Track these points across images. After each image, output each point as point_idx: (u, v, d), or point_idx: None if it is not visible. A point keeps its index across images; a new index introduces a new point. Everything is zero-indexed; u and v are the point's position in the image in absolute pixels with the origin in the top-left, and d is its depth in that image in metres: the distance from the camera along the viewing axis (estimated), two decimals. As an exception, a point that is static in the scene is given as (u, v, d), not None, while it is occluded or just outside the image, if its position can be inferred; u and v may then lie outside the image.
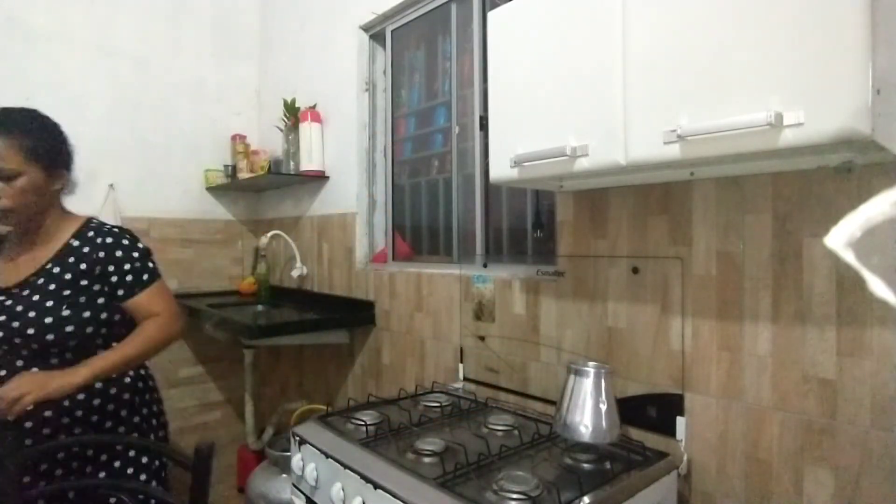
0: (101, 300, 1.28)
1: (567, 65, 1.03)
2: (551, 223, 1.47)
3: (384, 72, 2.19)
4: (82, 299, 1.26)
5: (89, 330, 1.25)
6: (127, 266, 1.32)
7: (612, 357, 1.28)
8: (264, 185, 2.65)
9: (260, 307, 2.48)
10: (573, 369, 1.15)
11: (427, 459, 1.11)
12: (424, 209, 2.06)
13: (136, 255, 1.34)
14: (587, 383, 1.12)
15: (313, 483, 1.20)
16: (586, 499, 0.95)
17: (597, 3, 0.98)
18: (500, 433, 1.28)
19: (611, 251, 1.29)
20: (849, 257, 0.94)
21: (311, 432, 1.29)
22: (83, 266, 1.27)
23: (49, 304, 1.22)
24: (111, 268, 1.29)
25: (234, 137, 2.69)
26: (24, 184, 1.18)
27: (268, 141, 2.67)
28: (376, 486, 1.03)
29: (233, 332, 2.13)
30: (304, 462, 1.26)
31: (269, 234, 2.48)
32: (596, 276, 1.32)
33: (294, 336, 2.01)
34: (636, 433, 1.22)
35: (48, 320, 1.21)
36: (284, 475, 1.92)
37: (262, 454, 2.33)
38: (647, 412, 1.21)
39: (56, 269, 1.25)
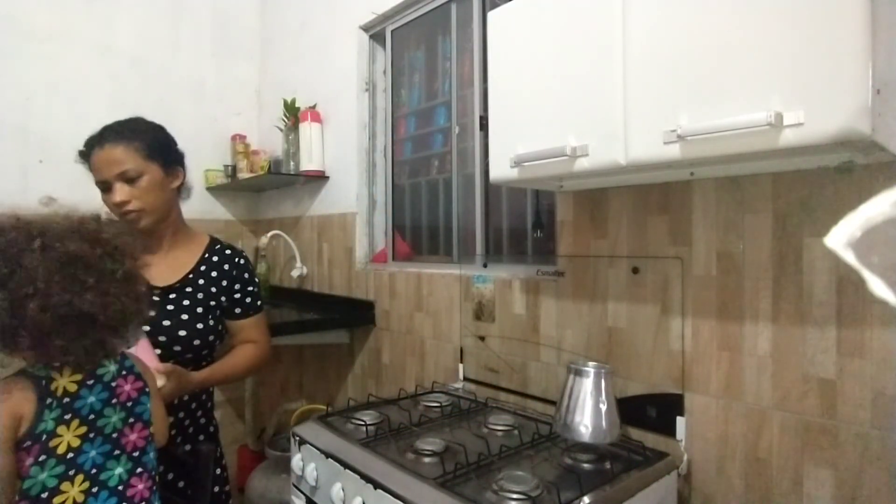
0: (219, 313, 1.34)
1: (567, 64, 1.03)
2: (551, 223, 1.47)
3: (384, 72, 2.19)
4: (217, 311, 1.33)
5: (211, 339, 1.31)
6: (249, 288, 1.40)
7: (612, 357, 1.28)
8: (264, 185, 2.65)
9: (260, 307, 2.48)
10: (573, 369, 1.14)
11: (427, 459, 1.11)
12: (424, 209, 2.06)
13: (256, 280, 1.44)
14: (587, 383, 1.12)
15: (313, 483, 1.20)
16: (586, 499, 0.95)
17: (597, 3, 0.97)
18: (500, 433, 1.28)
19: (611, 251, 1.29)
20: (849, 257, 0.94)
21: (311, 432, 1.29)
22: (221, 281, 1.35)
23: (198, 310, 1.28)
24: (237, 286, 1.37)
25: (234, 137, 2.69)
26: (147, 183, 1.23)
27: (268, 141, 2.67)
28: (376, 486, 1.03)
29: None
30: (304, 462, 1.26)
31: (269, 234, 2.48)
32: (596, 276, 1.32)
33: (294, 336, 2.01)
34: (636, 433, 1.22)
35: (199, 326, 1.27)
36: (284, 475, 1.92)
37: (262, 454, 2.33)
38: (647, 412, 1.21)
39: (200, 281, 1.32)
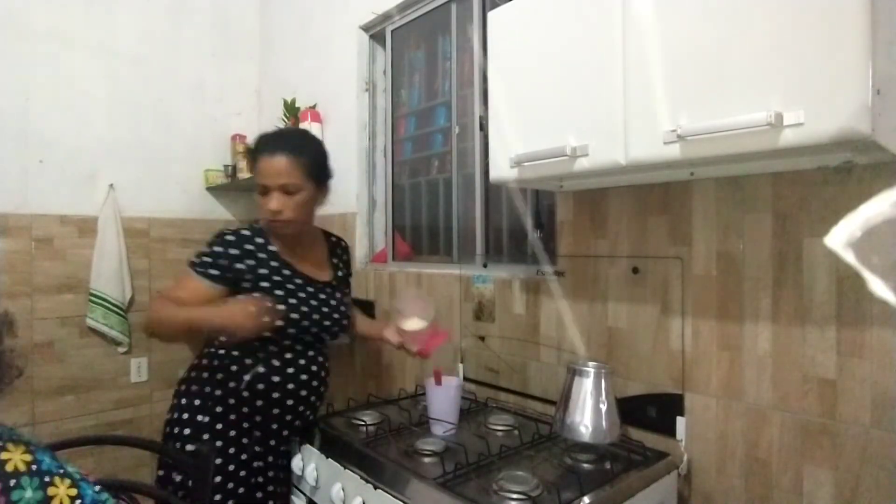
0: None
1: (567, 64, 1.03)
2: (551, 223, 1.47)
3: (384, 72, 2.19)
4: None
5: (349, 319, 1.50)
6: (352, 269, 1.61)
7: (612, 357, 1.28)
8: (264, 185, 2.65)
9: (260, 307, 2.47)
10: (573, 369, 1.14)
11: (427, 459, 1.11)
12: (424, 209, 2.06)
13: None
14: (587, 383, 1.12)
15: (313, 483, 1.20)
16: (586, 499, 0.95)
17: (597, 3, 0.97)
18: (500, 433, 1.28)
19: (611, 251, 1.29)
20: (849, 257, 0.94)
21: (310, 432, 1.29)
22: (340, 270, 1.52)
23: (344, 299, 1.47)
24: (349, 270, 1.57)
25: (234, 137, 2.69)
26: (302, 199, 1.31)
27: (268, 141, 2.66)
28: (376, 486, 1.03)
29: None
30: (304, 462, 1.26)
31: (269, 234, 2.47)
32: (596, 276, 1.32)
33: (294, 336, 2.00)
34: (636, 433, 1.21)
35: (346, 311, 1.45)
36: (284, 475, 1.91)
37: (262, 454, 2.33)
38: (647, 412, 1.21)
39: (340, 274, 1.50)
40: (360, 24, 2.15)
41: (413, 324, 1.41)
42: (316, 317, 1.33)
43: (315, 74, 2.41)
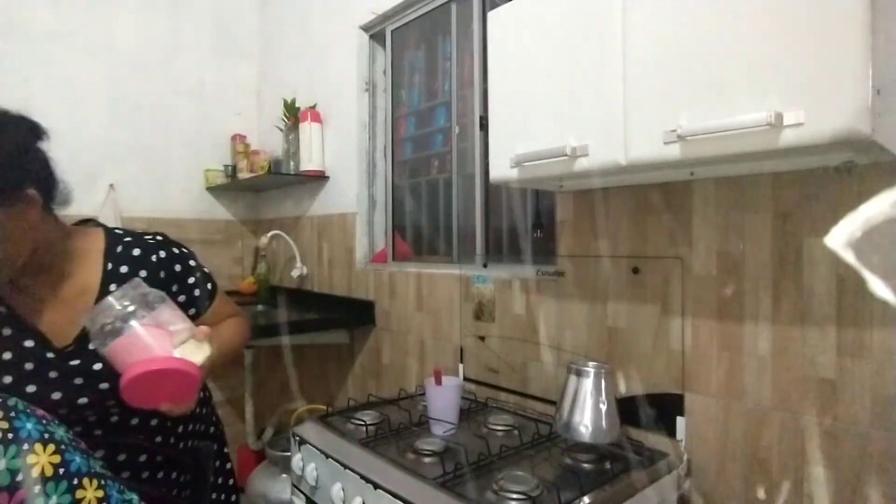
0: None
1: (567, 64, 1.03)
2: (551, 223, 1.47)
3: (384, 72, 2.19)
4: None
5: None
6: (191, 280, 1.08)
7: (612, 357, 1.28)
8: (264, 185, 2.65)
9: (260, 307, 2.48)
10: (573, 369, 1.14)
11: (427, 459, 1.11)
12: (424, 209, 2.06)
13: (192, 263, 1.12)
14: (587, 383, 1.12)
15: (313, 483, 1.20)
16: (586, 499, 0.95)
17: (597, 2, 0.97)
18: (500, 433, 1.28)
19: (611, 251, 1.29)
20: (849, 257, 0.94)
21: (311, 432, 1.29)
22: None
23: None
24: (175, 287, 1.04)
25: (234, 137, 2.69)
26: None
27: (268, 141, 2.67)
28: (376, 486, 1.03)
29: (233, 332, 2.12)
30: (304, 462, 1.26)
31: (269, 234, 2.48)
32: (596, 276, 1.32)
33: (294, 336, 2.01)
34: (636, 433, 1.22)
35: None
36: (284, 475, 1.92)
37: (262, 454, 2.33)
38: (647, 412, 1.21)
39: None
40: (360, 24, 2.15)
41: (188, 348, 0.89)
42: (57, 396, 0.88)
43: (315, 74, 2.41)
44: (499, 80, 1.18)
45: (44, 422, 0.75)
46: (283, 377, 2.62)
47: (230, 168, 2.64)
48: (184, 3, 2.62)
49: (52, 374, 0.89)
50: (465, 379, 1.62)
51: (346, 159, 2.23)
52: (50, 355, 0.90)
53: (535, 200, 1.58)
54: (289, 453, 1.35)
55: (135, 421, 0.98)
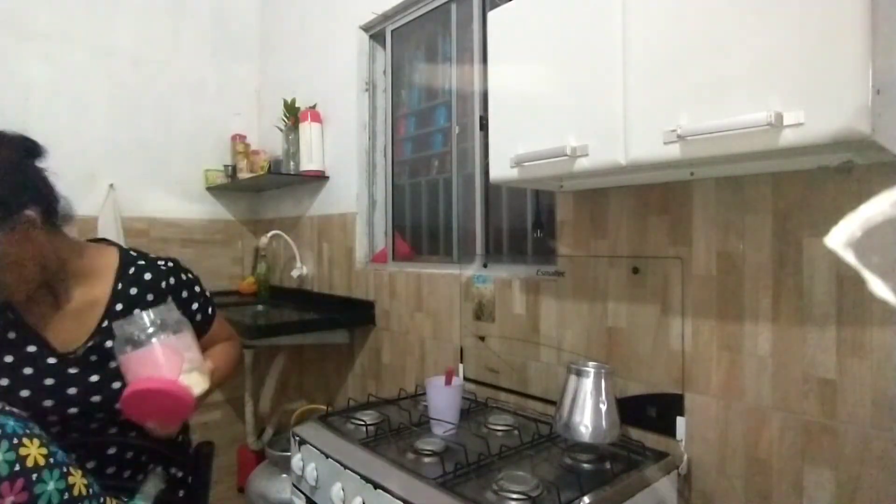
0: None
1: (567, 64, 1.03)
2: (551, 223, 1.47)
3: (384, 72, 2.19)
4: None
5: None
6: (195, 306, 1.15)
7: (612, 357, 1.28)
8: (264, 185, 2.65)
9: (260, 307, 2.48)
10: (573, 369, 1.14)
11: (427, 459, 1.11)
12: (424, 209, 2.06)
13: (197, 289, 1.17)
14: (587, 383, 1.12)
15: (313, 483, 1.20)
16: (586, 499, 0.95)
17: (597, 2, 0.97)
18: (500, 433, 1.28)
19: (611, 251, 1.29)
20: (849, 257, 0.94)
21: (311, 432, 1.29)
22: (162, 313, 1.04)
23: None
24: (179, 311, 1.07)
25: (234, 137, 2.69)
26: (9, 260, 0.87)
27: (268, 141, 2.67)
28: (376, 486, 1.03)
29: (233, 332, 2.12)
30: (304, 462, 1.26)
31: (269, 234, 2.48)
32: (596, 276, 1.32)
33: (294, 336, 2.01)
34: (636, 433, 1.22)
35: (116, 386, 0.97)
36: (284, 475, 1.92)
37: (262, 454, 2.33)
38: (647, 412, 1.21)
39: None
40: (360, 24, 2.15)
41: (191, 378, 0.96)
42: (48, 403, 0.91)
43: (315, 74, 2.41)
44: (499, 80, 1.18)
45: (21, 421, 0.80)
46: (283, 377, 2.62)
47: (230, 168, 2.64)
48: (184, 3, 2.62)
49: (49, 381, 0.92)
50: (465, 379, 1.62)
51: (346, 159, 2.23)
52: (51, 361, 0.93)
53: (535, 200, 1.58)
54: (289, 453, 1.35)
55: (113, 430, 1.01)
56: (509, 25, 1.15)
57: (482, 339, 1.61)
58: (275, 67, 2.75)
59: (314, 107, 2.34)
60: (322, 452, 1.20)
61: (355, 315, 2.09)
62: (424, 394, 1.40)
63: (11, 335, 0.92)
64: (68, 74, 2.30)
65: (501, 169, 1.15)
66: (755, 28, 0.78)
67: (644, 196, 1.23)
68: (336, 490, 1.11)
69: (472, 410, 1.44)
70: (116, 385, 0.96)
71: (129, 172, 2.45)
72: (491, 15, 1.19)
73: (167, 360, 0.92)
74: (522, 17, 1.12)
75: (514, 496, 0.95)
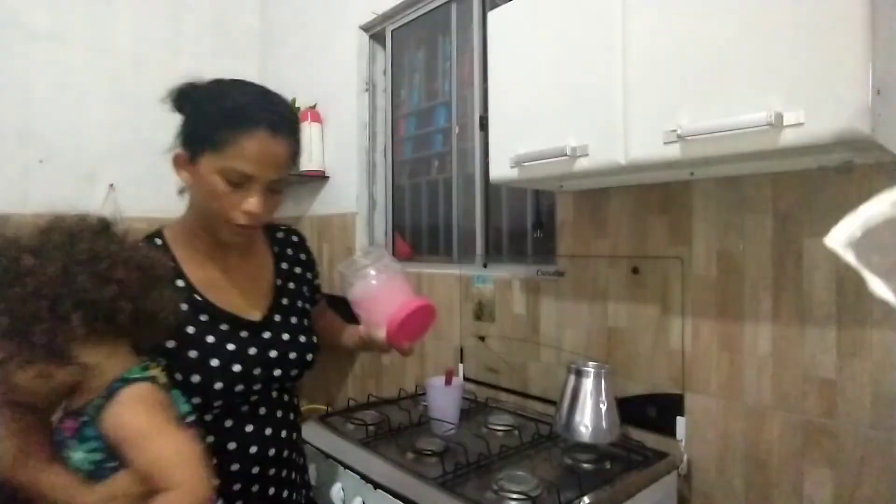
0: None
1: (567, 64, 1.03)
2: (551, 223, 1.47)
3: (384, 72, 2.19)
4: (307, 319, 1.08)
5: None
6: (318, 269, 1.20)
7: (612, 357, 1.28)
8: (264, 185, 2.65)
9: (260, 307, 2.47)
10: (573, 369, 1.14)
11: (427, 459, 1.11)
12: (424, 209, 2.06)
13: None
14: (587, 383, 1.12)
15: (313, 483, 1.20)
16: (586, 499, 0.95)
17: (597, 3, 0.97)
18: (500, 433, 1.28)
19: (611, 251, 1.29)
20: (849, 257, 0.94)
21: (311, 432, 1.29)
22: (300, 274, 1.12)
23: (305, 322, 1.07)
24: (309, 275, 1.15)
25: (234, 137, 2.68)
26: (280, 200, 0.95)
27: (268, 141, 2.66)
28: (376, 486, 1.03)
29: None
30: (304, 462, 1.25)
31: (270, 234, 2.47)
32: (596, 276, 1.32)
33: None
34: (636, 433, 1.21)
35: (302, 339, 1.03)
36: (284, 475, 1.91)
37: (262, 454, 2.33)
38: (647, 412, 1.21)
39: (291, 285, 1.07)
40: (360, 24, 2.15)
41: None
42: (257, 372, 0.93)
43: (315, 74, 2.41)
44: (499, 80, 1.18)
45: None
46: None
47: (230, 168, 2.63)
48: (184, 2, 2.62)
49: (252, 351, 0.94)
50: (465, 379, 1.62)
51: (346, 159, 2.23)
52: (244, 334, 0.95)
53: (535, 200, 1.58)
54: (289, 453, 1.35)
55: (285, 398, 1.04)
56: (509, 25, 1.15)
57: (482, 339, 1.61)
58: (275, 67, 2.75)
59: (314, 107, 2.34)
60: (322, 452, 1.20)
61: (355, 315, 2.08)
62: (424, 394, 1.40)
63: (203, 317, 0.92)
64: (68, 74, 2.30)
65: (501, 169, 1.15)
66: (755, 28, 0.78)
67: (644, 196, 1.23)
68: (336, 490, 1.11)
69: (472, 410, 1.44)
70: (302, 339, 1.03)
71: (129, 172, 2.45)
72: (491, 15, 1.19)
73: (404, 284, 1.03)
74: (522, 17, 1.12)
75: (514, 496, 0.95)
